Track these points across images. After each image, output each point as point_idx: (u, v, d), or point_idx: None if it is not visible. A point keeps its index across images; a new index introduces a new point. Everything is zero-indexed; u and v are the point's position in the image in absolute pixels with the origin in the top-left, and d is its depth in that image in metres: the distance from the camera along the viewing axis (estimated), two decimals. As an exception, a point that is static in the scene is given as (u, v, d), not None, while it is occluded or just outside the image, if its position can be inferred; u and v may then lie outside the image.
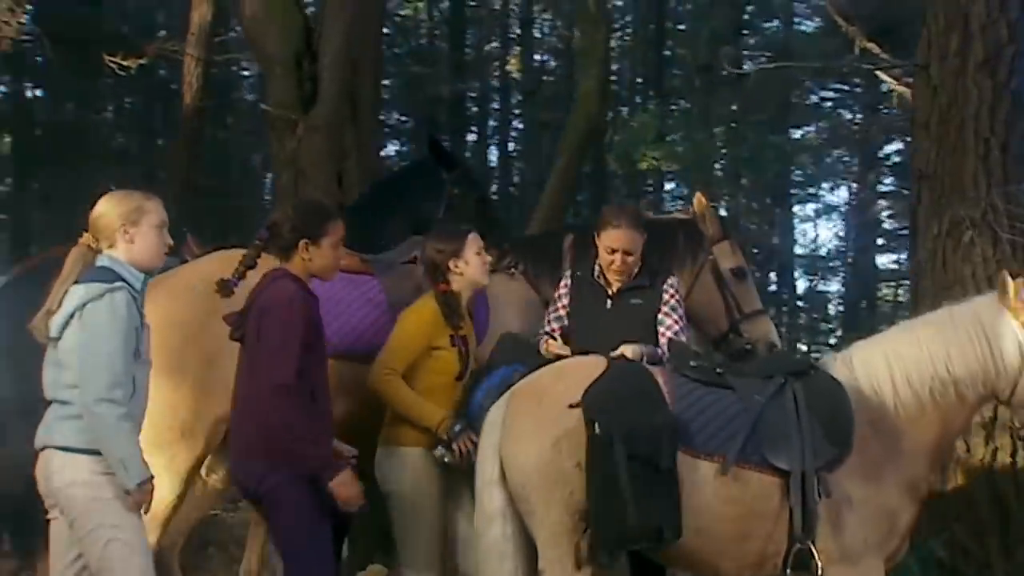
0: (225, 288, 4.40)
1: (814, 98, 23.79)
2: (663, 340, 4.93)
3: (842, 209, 25.58)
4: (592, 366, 4.25)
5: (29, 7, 9.65)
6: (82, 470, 3.86)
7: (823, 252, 30.66)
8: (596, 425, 3.97)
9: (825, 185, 26.84)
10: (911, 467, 4.31)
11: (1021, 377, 4.27)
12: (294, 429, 4.07)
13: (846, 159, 23.20)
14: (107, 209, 4.02)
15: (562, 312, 5.13)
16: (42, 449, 3.97)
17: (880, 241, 23.35)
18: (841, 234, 27.29)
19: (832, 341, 27.61)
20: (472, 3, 26.27)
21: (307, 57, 7.18)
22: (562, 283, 5.22)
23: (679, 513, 3.96)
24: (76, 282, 3.93)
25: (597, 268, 5.09)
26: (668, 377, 4.30)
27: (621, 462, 3.88)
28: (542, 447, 4.06)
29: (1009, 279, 4.33)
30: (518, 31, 26.33)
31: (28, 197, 19.22)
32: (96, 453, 3.85)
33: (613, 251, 4.93)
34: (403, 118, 29.41)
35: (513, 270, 5.57)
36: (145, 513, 3.95)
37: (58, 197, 19.15)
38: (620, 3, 28.09)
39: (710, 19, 22.96)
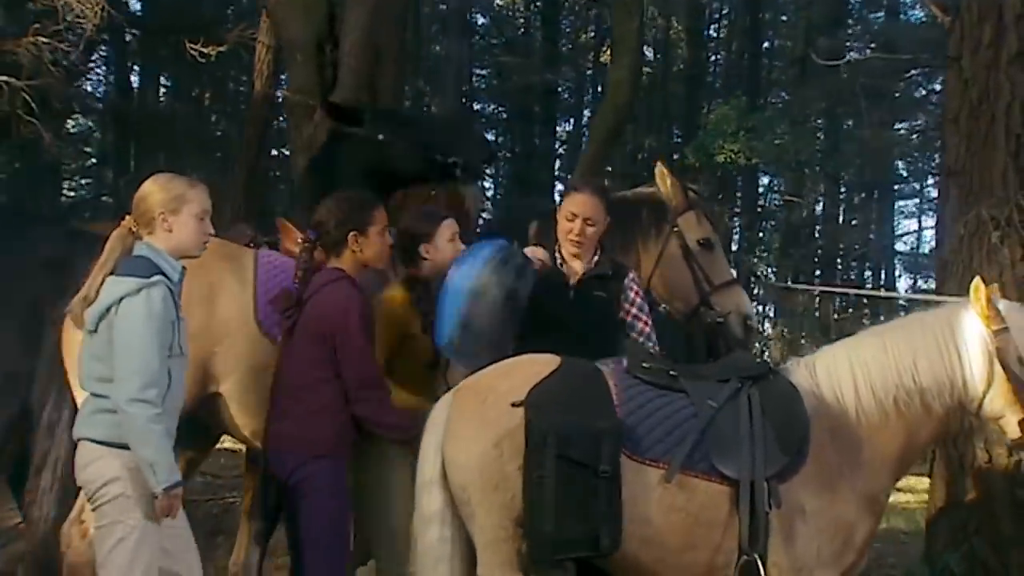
0: (289, 300, 4.48)
1: (922, 91, 23.23)
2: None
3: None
4: (542, 364, 4.06)
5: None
6: (113, 465, 3.88)
7: (925, 249, 30.16)
8: (532, 426, 3.83)
9: (930, 181, 26.33)
10: (871, 479, 4.11)
11: (990, 389, 4.06)
12: (384, 416, 4.40)
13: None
14: (147, 194, 3.99)
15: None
16: (79, 440, 3.99)
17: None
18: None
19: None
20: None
21: (329, 42, 7.19)
22: None
23: (619, 522, 3.79)
24: (113, 272, 3.93)
25: (559, 256, 4.82)
26: (618, 378, 4.11)
27: (550, 464, 3.74)
28: (484, 447, 3.90)
29: (982, 285, 4.12)
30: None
31: (126, 185, 19.64)
32: (128, 449, 3.86)
33: (573, 216, 4.68)
34: (500, 108, 29.65)
35: None
36: (172, 518, 3.90)
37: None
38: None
39: (810, 10, 22.61)
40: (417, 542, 4.08)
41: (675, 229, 5.52)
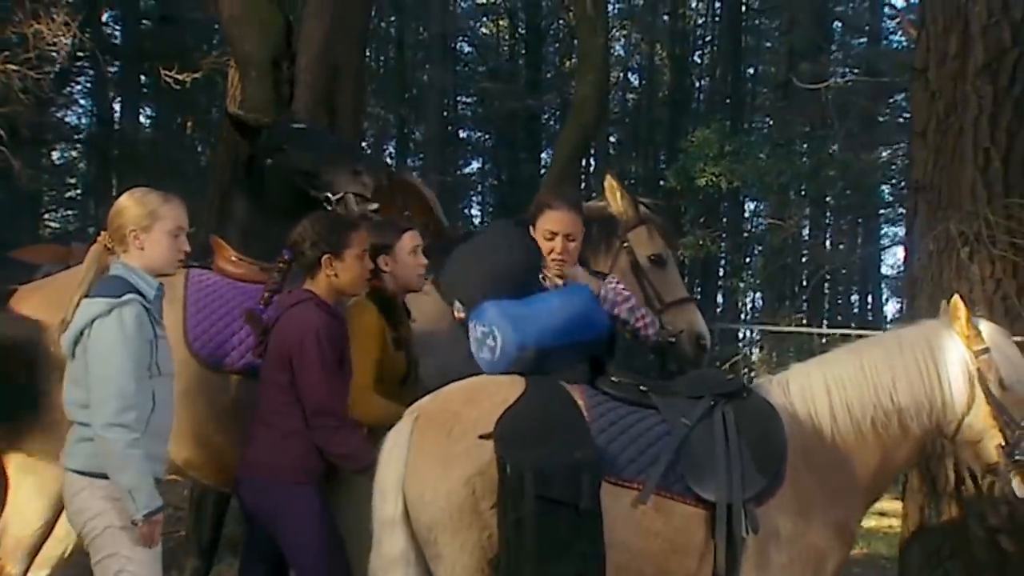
0: (255, 321, 4.32)
1: (906, 115, 23.19)
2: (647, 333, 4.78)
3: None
4: (507, 387, 3.78)
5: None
6: (97, 495, 3.76)
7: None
8: (506, 465, 3.53)
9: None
10: (844, 505, 3.94)
11: (968, 411, 3.93)
12: (335, 446, 4.17)
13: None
14: (120, 210, 3.89)
15: None
16: (66, 471, 3.88)
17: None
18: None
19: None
20: (550, 21, 26.26)
21: (286, 59, 7.00)
22: None
23: (603, 559, 3.53)
24: (87, 294, 3.81)
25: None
26: (587, 396, 3.87)
27: (529, 506, 3.44)
28: (453, 485, 3.57)
29: (960, 303, 3.99)
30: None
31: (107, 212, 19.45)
32: (109, 478, 3.74)
33: (553, 235, 4.50)
34: (485, 135, 29.65)
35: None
36: (154, 547, 3.76)
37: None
38: (701, 21, 27.96)
39: (792, 35, 22.63)
40: None
41: (625, 244, 5.35)
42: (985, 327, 4.03)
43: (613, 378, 3.97)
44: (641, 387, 3.94)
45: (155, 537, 3.74)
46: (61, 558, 4.77)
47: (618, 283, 4.78)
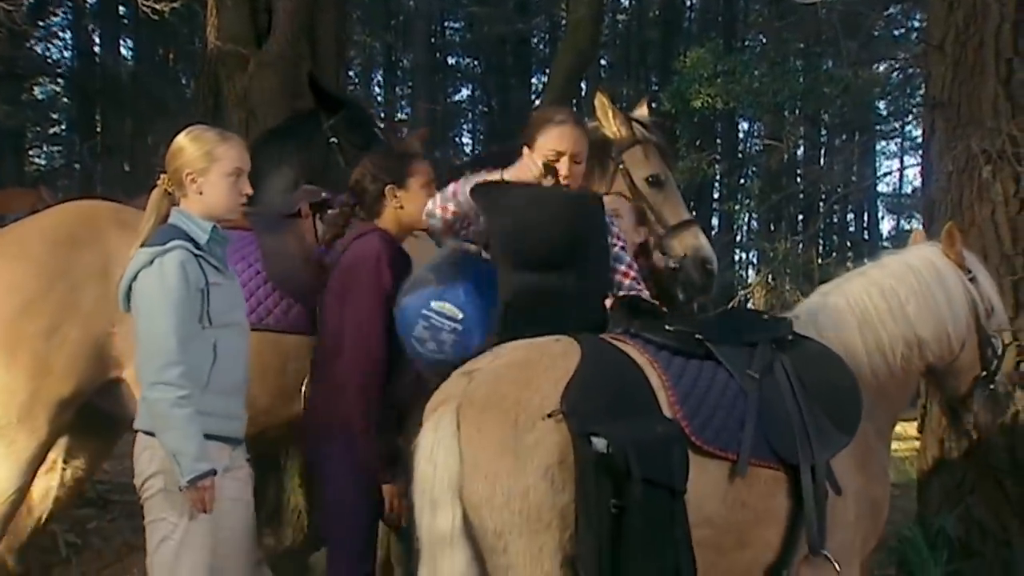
0: (316, 257, 4.17)
1: (901, 28, 22.77)
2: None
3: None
4: (562, 358, 3.18)
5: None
6: (154, 457, 3.51)
7: (907, 189, 29.79)
8: (596, 441, 2.95)
9: (911, 119, 25.97)
10: (886, 448, 3.72)
11: (968, 340, 3.81)
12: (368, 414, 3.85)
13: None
14: (175, 152, 3.63)
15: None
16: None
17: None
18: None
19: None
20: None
21: (264, -14, 6.60)
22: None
23: (691, 546, 3.06)
24: (144, 244, 3.57)
25: None
26: (649, 353, 3.33)
27: (637, 490, 2.92)
28: (531, 480, 3.00)
29: (956, 230, 3.86)
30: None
31: (91, 152, 19.16)
32: None
33: (559, 155, 3.77)
34: (474, 61, 29.16)
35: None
36: (206, 512, 3.46)
37: (120, 148, 19.35)
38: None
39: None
40: None
41: (620, 167, 4.98)
42: (966, 253, 3.92)
43: (668, 327, 3.45)
44: (697, 335, 3.45)
45: (206, 503, 3.45)
46: (37, 526, 4.60)
47: (616, 224, 4.14)
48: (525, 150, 3.85)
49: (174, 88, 20.38)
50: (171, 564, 3.49)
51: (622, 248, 3.98)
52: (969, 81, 5.55)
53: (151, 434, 3.51)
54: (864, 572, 3.69)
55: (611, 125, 5.02)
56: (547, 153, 3.77)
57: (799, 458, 3.28)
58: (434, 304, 3.50)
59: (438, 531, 3.06)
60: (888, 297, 3.72)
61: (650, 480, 2.93)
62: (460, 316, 3.47)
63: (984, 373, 3.85)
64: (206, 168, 3.58)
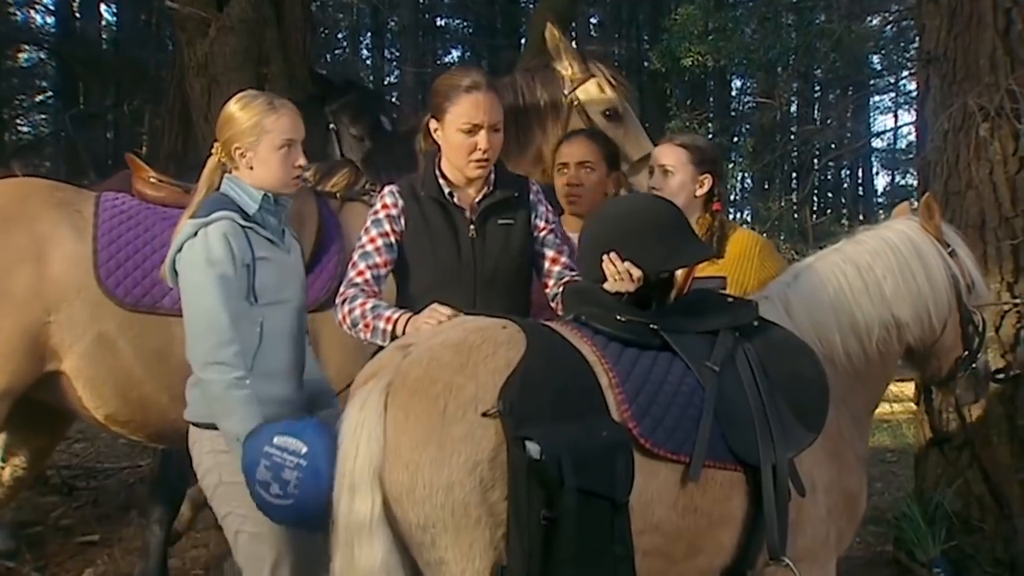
0: None
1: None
2: (556, 290, 3.59)
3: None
4: (505, 346, 2.90)
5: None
6: (206, 448, 3.31)
7: (902, 145, 29.51)
8: (529, 446, 2.69)
9: (904, 73, 25.68)
10: (863, 436, 3.45)
11: (949, 320, 3.54)
12: None
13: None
14: (224, 122, 3.38)
15: (391, 241, 3.53)
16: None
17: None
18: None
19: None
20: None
21: (226, -55, 6.26)
22: (384, 200, 3.58)
23: (632, 560, 2.81)
24: (193, 215, 3.31)
25: (440, 179, 3.56)
26: (596, 344, 3.06)
27: (571, 500, 2.67)
28: (456, 476, 2.75)
29: (934, 202, 3.56)
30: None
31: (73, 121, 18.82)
32: (215, 428, 3.25)
33: (474, 128, 3.42)
34: (464, 23, 28.76)
35: (371, 194, 4.43)
36: None
37: (104, 116, 19.02)
38: None
39: None
40: None
41: (575, 104, 4.72)
42: (945, 226, 3.63)
43: (619, 317, 3.14)
44: (652, 325, 3.14)
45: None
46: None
47: (541, 193, 3.76)
48: (431, 123, 3.54)
49: (158, 55, 20.02)
50: (255, 556, 3.27)
51: (550, 232, 3.65)
52: (965, 34, 5.26)
53: (198, 425, 3.31)
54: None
55: (563, 60, 4.76)
56: (461, 126, 3.43)
57: (759, 458, 3.01)
58: (276, 439, 3.05)
59: (356, 517, 2.80)
60: (864, 274, 3.44)
61: (587, 490, 2.69)
62: (304, 450, 3.01)
63: (966, 352, 3.60)
64: (255, 142, 3.34)
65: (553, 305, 3.57)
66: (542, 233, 3.63)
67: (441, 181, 3.56)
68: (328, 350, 4.04)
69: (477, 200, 3.56)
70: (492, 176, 3.58)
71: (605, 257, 3.26)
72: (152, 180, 4.33)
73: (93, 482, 7.06)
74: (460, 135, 3.44)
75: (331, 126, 5.21)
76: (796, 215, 21.06)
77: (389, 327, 3.27)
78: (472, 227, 3.53)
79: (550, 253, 3.63)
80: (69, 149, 18.31)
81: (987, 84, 5.13)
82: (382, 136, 5.17)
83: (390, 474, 2.78)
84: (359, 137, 5.16)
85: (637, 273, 3.23)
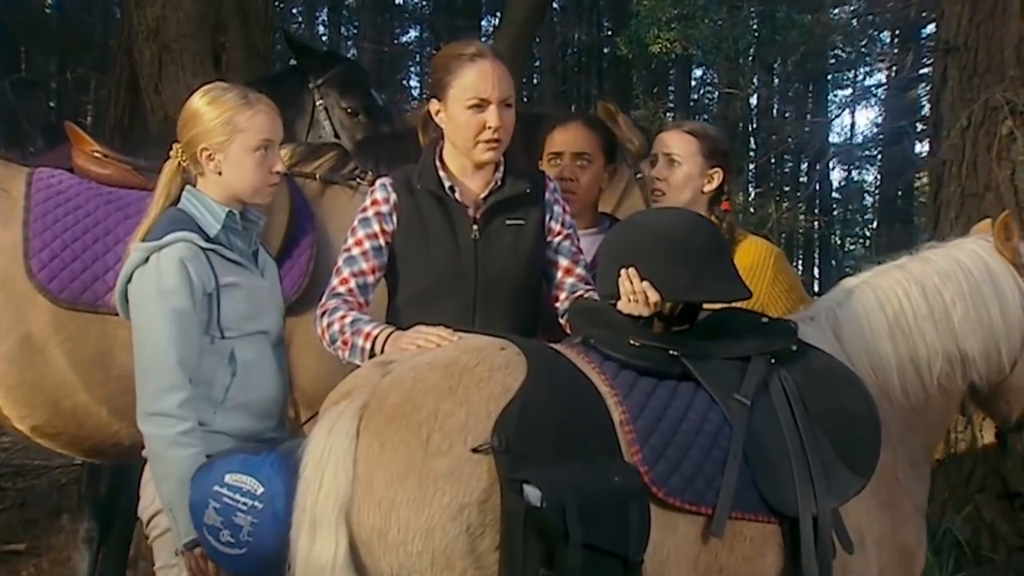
0: None
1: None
2: (566, 305, 3.17)
3: (879, 94, 24.17)
4: (503, 370, 2.54)
5: None
6: (152, 490, 2.91)
7: (859, 140, 29.51)
8: (528, 491, 2.34)
9: (863, 69, 25.71)
10: (920, 483, 3.03)
11: (1020, 358, 3.08)
12: None
13: (884, 40, 21.67)
14: (189, 118, 2.94)
15: (380, 243, 3.10)
16: None
17: (920, 127, 21.92)
18: (879, 121, 26.26)
19: (868, 234, 26.72)
20: None
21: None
22: (375, 195, 3.15)
23: None
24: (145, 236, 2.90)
25: (440, 170, 3.14)
26: (606, 372, 2.67)
27: (576, 558, 2.32)
28: (438, 520, 2.37)
29: (1011, 221, 3.11)
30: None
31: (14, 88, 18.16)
32: None
33: (482, 103, 2.99)
34: (422, 1, 28.38)
35: (358, 180, 4.00)
36: None
37: (43, 84, 18.40)
38: None
39: None
40: None
41: (638, 177, 4.18)
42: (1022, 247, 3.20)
43: (633, 341, 2.74)
44: (671, 351, 2.74)
45: (207, 573, 2.75)
46: None
47: (559, 192, 3.32)
48: (432, 105, 3.09)
49: (105, 22, 19.40)
50: None
51: (566, 237, 3.21)
52: (989, 22, 5.01)
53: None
54: None
55: (623, 134, 4.20)
56: (467, 101, 2.99)
57: (797, 508, 2.61)
58: (228, 477, 2.65)
59: (316, 561, 2.38)
60: (930, 298, 3.02)
61: (594, 546, 2.33)
62: (260, 490, 2.61)
63: None
64: (226, 142, 2.91)
65: (562, 322, 3.12)
66: (556, 238, 3.19)
67: (441, 173, 3.11)
68: (299, 355, 3.55)
69: (483, 196, 3.10)
70: (501, 169, 3.13)
71: (623, 272, 2.81)
72: (96, 155, 3.84)
73: (20, 482, 6.52)
74: (466, 113, 3.00)
75: (319, 103, 4.74)
76: (758, 211, 20.92)
77: (368, 344, 2.85)
78: (475, 227, 3.09)
79: (564, 262, 3.19)
80: (9, 117, 17.71)
81: (1012, 77, 4.87)
82: (376, 111, 4.73)
83: (359, 513, 2.39)
84: (352, 111, 4.73)
85: (654, 297, 2.79)
